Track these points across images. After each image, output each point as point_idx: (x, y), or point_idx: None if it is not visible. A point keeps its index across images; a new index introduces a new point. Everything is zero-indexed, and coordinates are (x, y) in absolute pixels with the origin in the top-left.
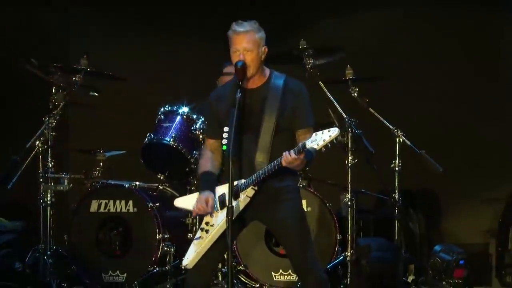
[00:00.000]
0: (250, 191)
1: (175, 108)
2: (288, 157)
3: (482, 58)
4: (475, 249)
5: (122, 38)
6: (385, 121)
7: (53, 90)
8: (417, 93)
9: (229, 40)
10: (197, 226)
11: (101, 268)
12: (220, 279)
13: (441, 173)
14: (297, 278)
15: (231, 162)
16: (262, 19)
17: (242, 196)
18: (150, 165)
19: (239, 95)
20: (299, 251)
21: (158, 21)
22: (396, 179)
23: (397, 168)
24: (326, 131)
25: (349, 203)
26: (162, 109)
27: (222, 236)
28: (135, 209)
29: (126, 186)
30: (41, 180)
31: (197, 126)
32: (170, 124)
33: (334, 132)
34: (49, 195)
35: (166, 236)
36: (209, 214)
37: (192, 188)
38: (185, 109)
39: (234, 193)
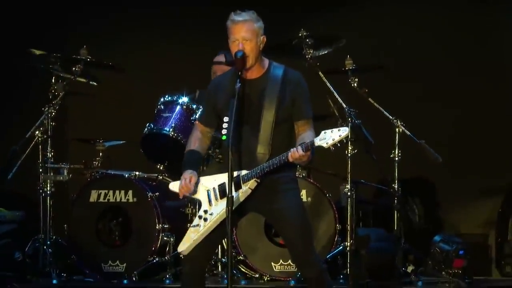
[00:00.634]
0: (252, 183)
1: (175, 98)
2: (296, 154)
3: (484, 49)
4: (475, 239)
5: (121, 28)
6: (384, 111)
7: (53, 80)
8: (417, 84)
9: (227, 30)
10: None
11: (100, 258)
12: (219, 269)
13: (440, 163)
14: (297, 268)
15: (231, 153)
16: (261, 9)
17: (244, 187)
18: (150, 155)
19: (238, 85)
20: (298, 242)
21: (157, 11)
22: (396, 169)
23: (396, 158)
24: (336, 130)
25: (349, 193)
26: (162, 99)
27: (220, 225)
28: (135, 199)
29: (126, 176)
30: (40, 170)
31: (197, 116)
32: (170, 114)
33: (344, 132)
34: (48, 185)
35: (165, 226)
36: (193, 192)
37: None
38: (185, 99)
39: (236, 184)
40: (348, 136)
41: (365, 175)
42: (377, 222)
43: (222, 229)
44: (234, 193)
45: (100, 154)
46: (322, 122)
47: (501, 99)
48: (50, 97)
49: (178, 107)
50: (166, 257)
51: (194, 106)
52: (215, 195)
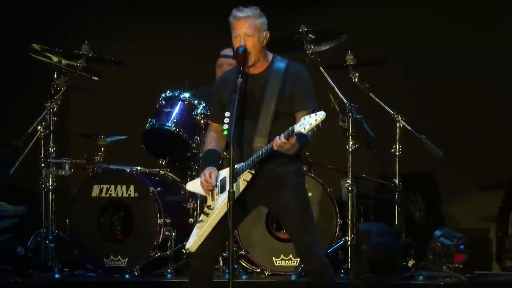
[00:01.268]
0: (246, 175)
1: (176, 94)
2: (278, 141)
3: (486, 44)
4: (475, 234)
5: (123, 23)
6: (385, 106)
7: (55, 75)
8: (418, 79)
9: (230, 26)
10: (198, 211)
11: (102, 252)
12: (221, 264)
13: (441, 158)
14: (298, 263)
15: (232, 147)
16: (263, 5)
17: (239, 180)
18: (152, 150)
19: (240, 80)
20: (302, 237)
21: (159, 6)
22: (397, 164)
23: (397, 153)
24: (313, 115)
25: (350, 188)
26: (163, 95)
27: (223, 220)
28: (137, 194)
29: (128, 171)
30: (42, 165)
31: (198, 112)
32: (172, 110)
33: (320, 115)
34: (50, 180)
35: (167, 221)
36: (215, 189)
37: (193, 173)
38: (186, 95)
39: (234, 177)
40: (324, 119)
41: (366, 169)
42: (378, 216)
43: (227, 225)
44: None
45: (102, 149)
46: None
47: (503, 95)
48: (52, 92)
49: (180, 103)
50: (167, 252)
51: (196, 102)
52: (217, 190)
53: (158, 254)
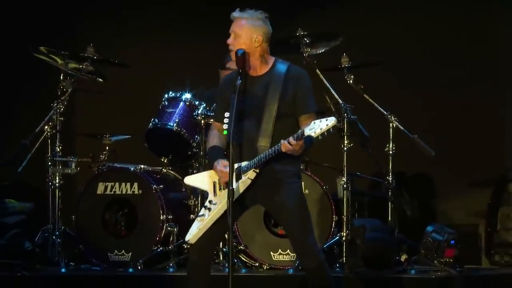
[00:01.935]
0: (251, 174)
1: (178, 95)
2: (287, 144)
3: (478, 45)
4: (466, 229)
5: (127, 27)
6: (379, 107)
7: (61, 77)
8: (411, 80)
9: None
10: (199, 207)
11: (107, 247)
12: (221, 258)
13: (433, 157)
14: (295, 257)
15: (232, 146)
16: (262, 9)
17: (244, 177)
18: (154, 149)
19: (239, 82)
20: (299, 234)
21: (162, 11)
22: (390, 162)
23: (390, 152)
24: (323, 119)
25: (345, 185)
26: (166, 96)
27: (223, 216)
28: (140, 191)
29: (131, 169)
30: (49, 163)
31: (199, 112)
32: (174, 110)
33: (331, 121)
34: (57, 178)
35: (169, 217)
36: (217, 185)
37: (194, 171)
38: (187, 96)
39: (237, 175)
40: (334, 125)
41: (360, 168)
42: (372, 213)
43: (226, 221)
44: (234, 184)
45: (107, 148)
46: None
47: (493, 94)
48: (59, 93)
49: (182, 103)
50: (169, 247)
51: (197, 103)
52: (219, 186)
53: (161, 248)
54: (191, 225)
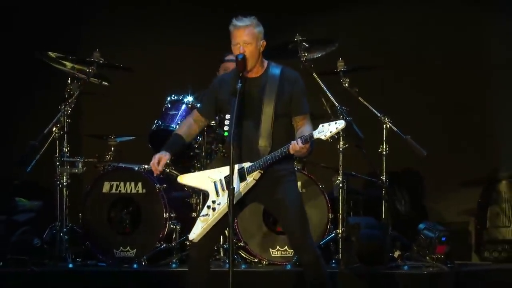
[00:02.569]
0: (256, 175)
1: (180, 98)
2: (296, 146)
3: (471, 48)
4: (456, 227)
5: (131, 32)
6: (373, 109)
7: (68, 81)
8: (404, 83)
9: (230, 34)
10: (201, 206)
11: (112, 244)
12: (222, 254)
13: (425, 157)
14: (292, 253)
15: (232, 147)
16: (260, 15)
17: (249, 179)
18: (158, 149)
19: (239, 85)
20: (297, 230)
21: (165, 16)
22: (384, 162)
23: (384, 152)
24: (332, 123)
25: (340, 184)
26: (169, 98)
27: (225, 215)
28: (144, 190)
29: (136, 169)
30: (57, 163)
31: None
32: (176, 112)
33: (340, 124)
34: (65, 177)
35: (172, 215)
36: (158, 173)
37: (196, 171)
38: (190, 99)
39: (241, 176)
40: (344, 128)
41: (355, 167)
42: (367, 211)
43: (226, 219)
44: (238, 184)
45: (112, 148)
46: (316, 120)
47: (484, 96)
48: (66, 96)
49: (184, 106)
50: (172, 243)
51: (199, 105)
52: (222, 186)
53: (164, 245)
54: (193, 223)
